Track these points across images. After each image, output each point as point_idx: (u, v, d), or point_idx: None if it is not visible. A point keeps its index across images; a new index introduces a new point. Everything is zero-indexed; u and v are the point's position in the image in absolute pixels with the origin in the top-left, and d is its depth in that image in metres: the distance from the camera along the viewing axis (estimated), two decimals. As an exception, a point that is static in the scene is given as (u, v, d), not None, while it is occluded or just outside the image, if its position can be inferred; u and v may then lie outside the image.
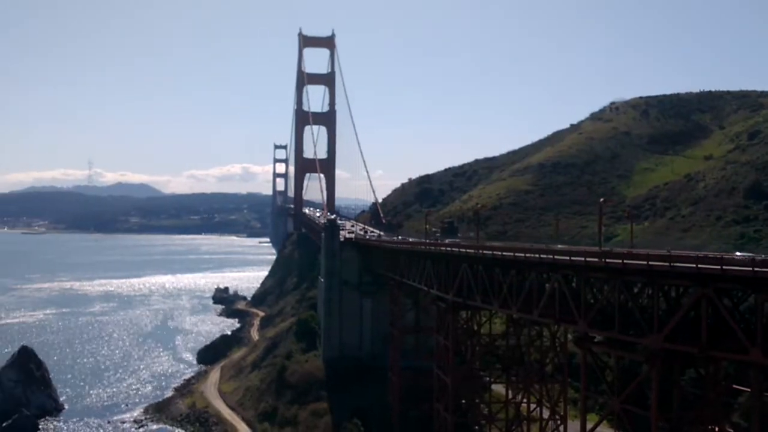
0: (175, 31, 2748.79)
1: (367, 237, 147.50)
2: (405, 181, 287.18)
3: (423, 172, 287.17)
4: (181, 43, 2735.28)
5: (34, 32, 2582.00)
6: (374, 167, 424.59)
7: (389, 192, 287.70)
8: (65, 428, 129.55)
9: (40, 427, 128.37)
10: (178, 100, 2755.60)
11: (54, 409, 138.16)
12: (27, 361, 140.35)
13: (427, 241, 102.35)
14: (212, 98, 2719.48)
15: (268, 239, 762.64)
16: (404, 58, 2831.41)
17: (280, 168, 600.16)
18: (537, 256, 64.18)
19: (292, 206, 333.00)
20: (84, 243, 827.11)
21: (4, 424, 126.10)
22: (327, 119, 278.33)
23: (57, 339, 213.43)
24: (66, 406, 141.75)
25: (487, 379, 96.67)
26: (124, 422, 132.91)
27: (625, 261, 52.37)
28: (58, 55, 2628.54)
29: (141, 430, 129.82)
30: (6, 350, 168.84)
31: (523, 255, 66.98)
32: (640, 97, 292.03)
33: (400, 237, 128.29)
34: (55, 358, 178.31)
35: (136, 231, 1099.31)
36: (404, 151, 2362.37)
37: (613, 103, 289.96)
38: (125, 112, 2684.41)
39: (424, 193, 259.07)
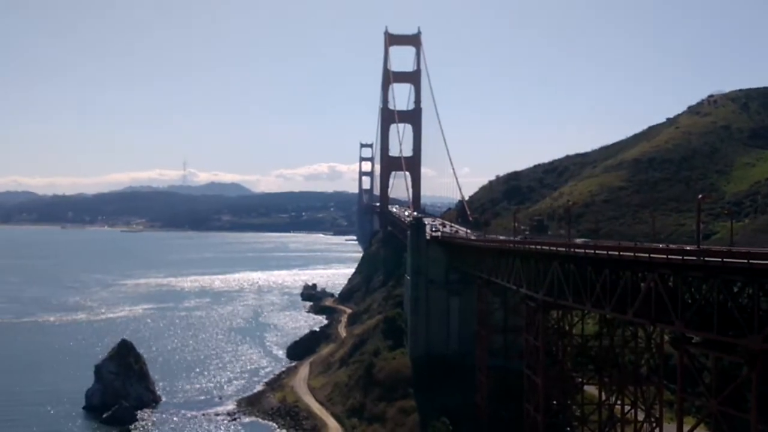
0: (265, 33, 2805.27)
1: (454, 235, 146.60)
2: (492, 178, 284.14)
3: (511, 169, 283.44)
4: (270, 45, 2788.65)
5: (132, 39, 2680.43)
6: (461, 165, 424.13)
7: (476, 189, 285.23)
8: (162, 420, 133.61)
9: (138, 417, 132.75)
10: (267, 102, 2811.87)
11: (151, 400, 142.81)
12: (126, 354, 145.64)
13: (516, 239, 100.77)
14: (300, 99, 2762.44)
15: (354, 237, 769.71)
16: (491, 53, 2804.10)
17: (366, 166, 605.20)
18: (632, 254, 62.33)
19: (377, 204, 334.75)
20: (178, 240, 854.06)
21: (104, 415, 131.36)
22: (413, 117, 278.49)
23: (154, 333, 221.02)
24: (163, 398, 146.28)
25: (579, 380, 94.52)
26: (218, 415, 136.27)
27: (724, 259, 50.27)
28: (155, 61, 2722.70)
29: (234, 422, 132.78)
30: (106, 343, 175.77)
31: (617, 253, 65.10)
32: (740, 90, 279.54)
33: (487, 235, 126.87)
34: (152, 351, 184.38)
35: (227, 229, 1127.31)
36: (491, 148, 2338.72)
37: (711, 96, 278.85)
38: (218, 114, 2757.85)
39: (512, 191, 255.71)
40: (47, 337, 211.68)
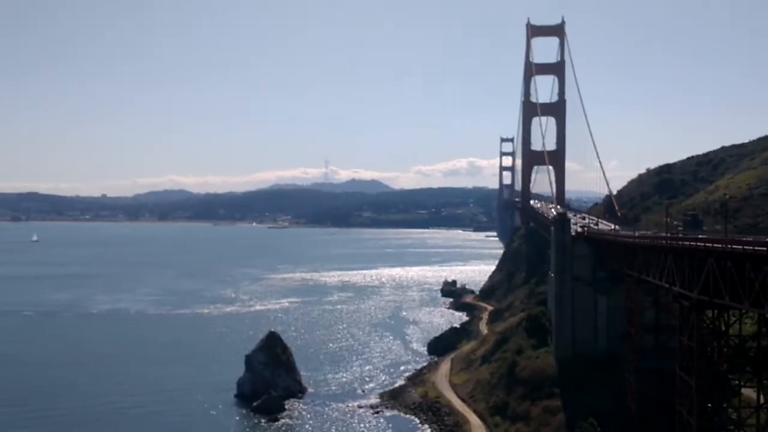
0: (405, 28, 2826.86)
1: (601, 231, 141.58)
2: (642, 171, 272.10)
3: (662, 162, 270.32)
4: (408, 40, 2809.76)
5: (277, 43, 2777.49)
6: (608, 158, 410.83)
7: (624, 183, 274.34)
8: (309, 411, 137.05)
9: (285, 407, 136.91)
10: (404, 99, 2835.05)
11: (298, 391, 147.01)
12: (274, 345, 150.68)
13: (668, 235, 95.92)
14: (437, 94, 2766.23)
15: (494, 233, 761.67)
16: (638, 40, 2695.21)
17: (507, 161, 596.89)
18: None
19: (519, 200, 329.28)
20: (321, 237, 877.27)
21: (254, 404, 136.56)
22: (556, 109, 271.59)
23: (299, 325, 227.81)
24: (309, 389, 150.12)
25: (736, 382, 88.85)
26: (361, 407, 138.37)
27: None
28: (296, 67, 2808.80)
29: (377, 416, 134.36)
30: (255, 334, 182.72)
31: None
32: None
33: (637, 231, 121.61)
34: (298, 343, 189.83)
35: (367, 225, 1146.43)
36: (641, 141, 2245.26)
37: None
38: (358, 113, 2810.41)
39: (663, 184, 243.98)
40: (201, 328, 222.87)
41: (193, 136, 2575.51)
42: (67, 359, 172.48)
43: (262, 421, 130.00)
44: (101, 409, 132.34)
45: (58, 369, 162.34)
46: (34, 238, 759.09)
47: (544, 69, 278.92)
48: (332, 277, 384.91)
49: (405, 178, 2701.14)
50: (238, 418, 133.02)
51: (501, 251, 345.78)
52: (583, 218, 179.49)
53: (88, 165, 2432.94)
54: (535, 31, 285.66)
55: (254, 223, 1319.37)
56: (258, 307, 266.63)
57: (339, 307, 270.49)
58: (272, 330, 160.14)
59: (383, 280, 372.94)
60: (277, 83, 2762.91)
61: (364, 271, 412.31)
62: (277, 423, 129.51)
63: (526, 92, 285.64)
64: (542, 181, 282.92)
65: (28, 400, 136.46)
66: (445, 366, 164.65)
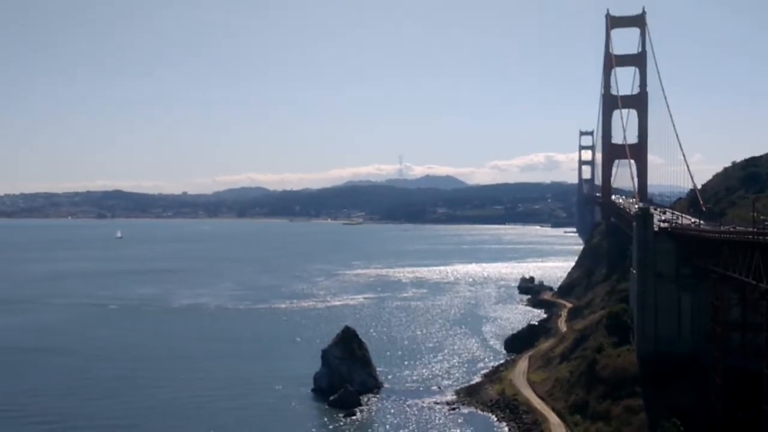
0: (479, 22, 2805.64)
1: (685, 226, 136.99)
2: (728, 164, 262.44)
3: (748, 155, 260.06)
4: (484, 35, 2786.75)
5: (352, 40, 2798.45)
6: (692, 151, 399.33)
7: (710, 177, 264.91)
8: (385, 406, 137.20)
9: (362, 402, 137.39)
10: (479, 93, 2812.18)
11: (374, 386, 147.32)
12: (350, 340, 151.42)
13: (755, 230, 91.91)
14: (514, 87, 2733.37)
15: (573, 229, 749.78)
16: (721, 28, 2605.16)
17: (586, 155, 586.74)
18: None
19: (599, 194, 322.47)
20: (395, 233, 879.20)
21: (331, 398, 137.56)
22: (637, 102, 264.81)
23: (374, 321, 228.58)
24: (385, 385, 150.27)
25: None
26: (437, 404, 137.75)
27: None
28: (371, 63, 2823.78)
29: (453, 412, 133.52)
30: (331, 329, 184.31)
31: None
32: None
33: (723, 226, 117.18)
34: (373, 338, 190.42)
35: (442, 221, 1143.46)
36: (726, 133, 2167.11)
37: None
38: (433, 109, 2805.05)
39: (749, 178, 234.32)
40: (278, 323, 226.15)
41: (270, 135, 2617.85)
42: (148, 352, 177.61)
43: (339, 415, 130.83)
44: (181, 402, 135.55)
45: (140, 362, 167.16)
46: (118, 234, 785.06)
47: (625, 60, 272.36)
48: (407, 273, 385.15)
49: (480, 173, 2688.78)
50: (315, 411, 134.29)
51: (580, 247, 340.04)
52: (665, 213, 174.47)
53: (170, 164, 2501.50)
54: (615, 21, 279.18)
55: (329, 220, 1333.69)
56: (333, 303, 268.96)
57: (414, 303, 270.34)
58: (347, 325, 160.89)
59: (458, 276, 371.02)
60: (352, 80, 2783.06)
61: (439, 268, 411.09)
62: (354, 417, 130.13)
63: (606, 84, 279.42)
64: (623, 175, 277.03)
65: (114, 392, 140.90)
66: (523, 363, 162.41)
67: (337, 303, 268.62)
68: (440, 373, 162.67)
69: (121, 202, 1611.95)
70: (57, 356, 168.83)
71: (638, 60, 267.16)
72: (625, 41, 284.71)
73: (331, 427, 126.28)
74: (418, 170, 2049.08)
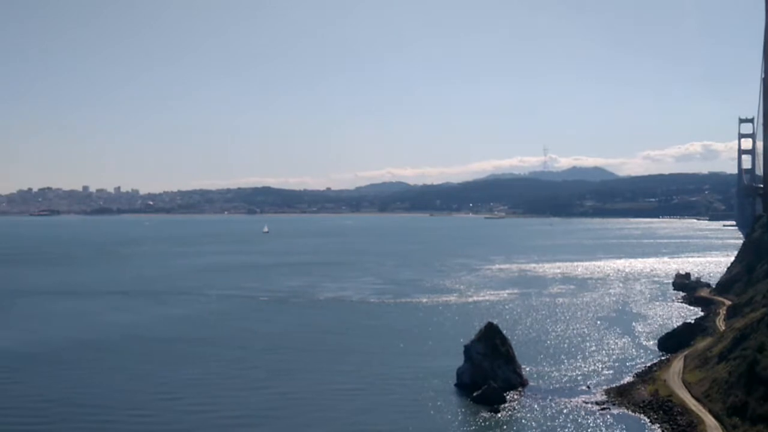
0: (632, 4, 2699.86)
1: None
2: None
3: None
4: (635, 19, 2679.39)
5: (491, 30, 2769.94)
6: None
7: None
8: (530, 404, 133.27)
9: (506, 399, 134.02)
10: (629, 80, 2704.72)
11: (519, 384, 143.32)
12: (493, 336, 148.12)
13: None
14: (667, 73, 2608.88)
15: (732, 222, 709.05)
16: None
17: (746, 144, 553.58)
18: None
19: (760, 185, 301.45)
20: (540, 227, 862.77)
21: (474, 394, 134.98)
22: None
23: (517, 317, 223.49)
24: (530, 382, 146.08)
25: None
26: (586, 403, 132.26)
27: None
28: (513, 52, 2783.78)
29: (603, 413, 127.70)
30: (473, 324, 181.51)
31: None
32: None
33: None
34: (516, 334, 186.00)
35: (590, 215, 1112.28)
36: None
37: None
38: (578, 97, 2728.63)
39: None
40: (420, 317, 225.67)
41: (409, 130, 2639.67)
42: (296, 344, 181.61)
43: (483, 411, 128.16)
44: (327, 394, 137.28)
45: (289, 353, 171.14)
46: (265, 229, 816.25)
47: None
48: (552, 268, 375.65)
49: (632, 164, 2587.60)
50: (459, 407, 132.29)
51: (740, 241, 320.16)
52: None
53: (314, 161, 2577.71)
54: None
55: (470, 214, 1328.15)
56: (475, 298, 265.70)
57: (559, 299, 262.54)
58: (490, 321, 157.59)
59: (607, 272, 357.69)
60: (491, 70, 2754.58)
61: (587, 263, 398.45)
62: (498, 414, 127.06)
63: (767, 69, 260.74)
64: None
65: (264, 382, 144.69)
66: (678, 363, 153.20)
67: (479, 298, 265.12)
68: (588, 372, 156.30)
69: (269, 198, 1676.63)
70: (210, 346, 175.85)
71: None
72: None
73: (475, 423, 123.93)
74: (563, 162, 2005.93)
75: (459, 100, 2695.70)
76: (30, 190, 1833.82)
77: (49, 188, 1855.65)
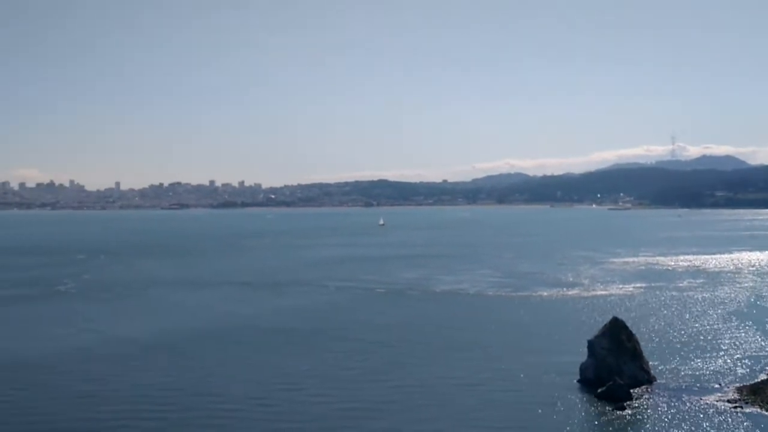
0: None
1: None
2: None
3: None
4: None
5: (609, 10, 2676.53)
6: None
7: None
8: (657, 402, 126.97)
9: (633, 396, 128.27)
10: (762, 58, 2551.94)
11: (646, 380, 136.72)
12: (618, 331, 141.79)
13: None
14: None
15: None
16: None
17: None
18: None
19: None
20: (668, 218, 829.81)
21: (598, 390, 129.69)
22: None
23: (645, 312, 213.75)
24: (657, 379, 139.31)
25: None
26: (717, 401, 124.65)
27: None
28: (631, 34, 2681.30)
29: (735, 411, 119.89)
30: (596, 319, 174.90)
31: None
32: None
33: None
34: (643, 330, 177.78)
35: (721, 205, 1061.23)
36: None
37: None
38: (709, 81, 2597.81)
39: None
40: (540, 311, 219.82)
41: (528, 120, 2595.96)
42: (414, 336, 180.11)
43: (608, 408, 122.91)
44: (448, 387, 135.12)
45: (407, 345, 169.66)
46: (381, 222, 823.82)
47: None
48: (680, 261, 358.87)
49: (764, 152, 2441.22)
50: (583, 404, 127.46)
51: None
52: None
53: (431, 153, 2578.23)
54: None
55: (593, 205, 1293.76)
56: (599, 292, 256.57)
57: (689, 293, 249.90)
58: (615, 316, 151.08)
59: (741, 265, 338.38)
60: (612, 59, 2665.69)
61: (718, 256, 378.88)
62: (624, 412, 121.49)
63: None
64: None
65: (382, 374, 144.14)
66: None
67: (603, 292, 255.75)
68: (719, 369, 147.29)
69: (386, 191, 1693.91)
70: (328, 337, 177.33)
71: None
72: None
73: (599, 420, 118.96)
74: (692, 150, 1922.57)
75: (578, 89, 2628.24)
76: (161, 185, 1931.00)
77: (178, 183, 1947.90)
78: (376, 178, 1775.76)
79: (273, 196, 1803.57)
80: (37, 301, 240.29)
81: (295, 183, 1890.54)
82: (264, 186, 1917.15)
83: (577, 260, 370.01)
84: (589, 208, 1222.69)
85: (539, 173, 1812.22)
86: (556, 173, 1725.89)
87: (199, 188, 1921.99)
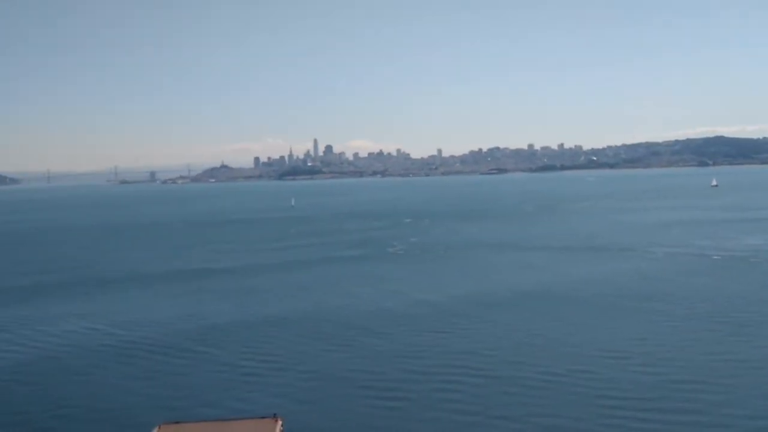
0: None
1: None
2: None
3: None
4: None
5: None
6: None
7: None
8: None
9: None
10: None
11: None
12: None
13: None
14: None
15: None
16: None
17: None
18: None
19: None
20: None
21: None
22: None
23: None
24: None
25: None
26: None
27: None
28: None
29: None
30: None
31: None
32: None
33: None
34: None
35: None
36: None
37: None
38: None
39: None
40: None
41: None
42: (757, 308, 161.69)
43: None
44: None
45: (743, 319, 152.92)
46: (714, 183, 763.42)
47: None
48: None
49: None
50: None
51: None
52: None
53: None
54: None
55: None
56: None
57: None
58: None
59: None
60: None
61: None
62: None
63: None
64: None
65: (718, 345, 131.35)
66: None
67: None
68: None
69: (722, 149, 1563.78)
70: (657, 306, 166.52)
71: None
72: None
73: None
74: None
75: None
76: (480, 150, 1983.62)
77: (497, 148, 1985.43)
78: (710, 135, 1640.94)
79: (594, 158, 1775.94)
80: (370, 261, 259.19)
81: (618, 143, 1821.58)
82: (585, 148, 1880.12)
83: None
84: None
85: None
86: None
87: (517, 152, 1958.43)
